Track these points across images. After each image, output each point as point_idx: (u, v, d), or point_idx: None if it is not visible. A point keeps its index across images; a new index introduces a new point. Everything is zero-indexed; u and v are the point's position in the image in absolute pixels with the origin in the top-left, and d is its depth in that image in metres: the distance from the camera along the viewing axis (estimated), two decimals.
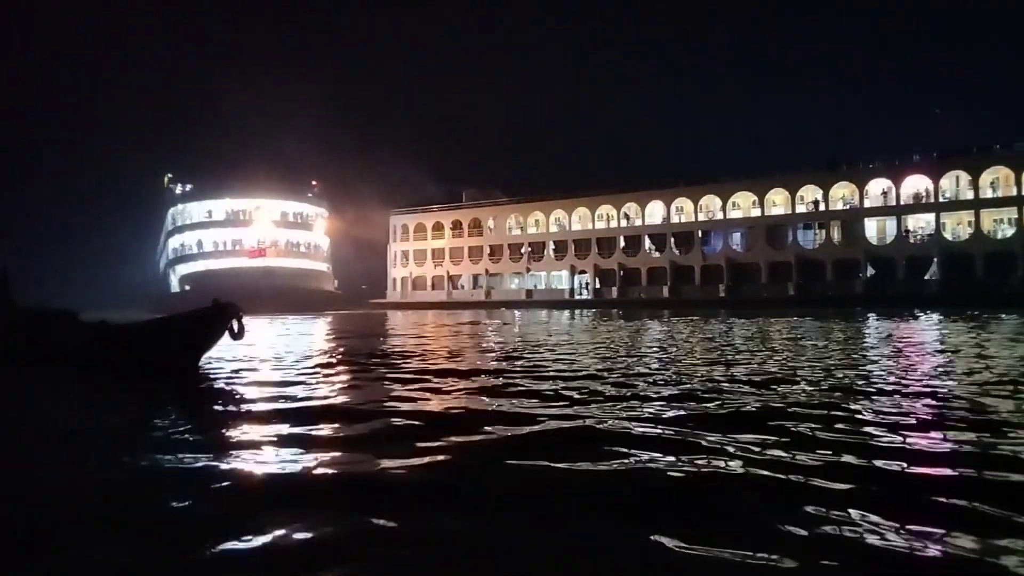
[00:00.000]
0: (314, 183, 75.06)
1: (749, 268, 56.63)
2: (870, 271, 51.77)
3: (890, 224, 52.74)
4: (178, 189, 69.81)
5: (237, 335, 7.68)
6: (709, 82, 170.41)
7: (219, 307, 7.63)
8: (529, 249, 69.53)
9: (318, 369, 7.81)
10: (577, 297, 64.32)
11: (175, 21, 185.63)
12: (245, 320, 7.58)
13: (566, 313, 38.63)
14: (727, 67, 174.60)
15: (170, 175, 71.42)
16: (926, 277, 49.37)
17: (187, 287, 63.07)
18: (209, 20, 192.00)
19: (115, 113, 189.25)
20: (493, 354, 9.40)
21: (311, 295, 60.70)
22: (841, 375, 6.20)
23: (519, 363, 7.84)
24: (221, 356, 9.12)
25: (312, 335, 16.32)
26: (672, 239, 61.57)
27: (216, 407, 5.23)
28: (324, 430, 3.97)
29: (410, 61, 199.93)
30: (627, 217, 64.97)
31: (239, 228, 65.51)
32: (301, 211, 70.26)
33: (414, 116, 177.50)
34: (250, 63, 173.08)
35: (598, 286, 64.28)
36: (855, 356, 8.41)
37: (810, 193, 56.02)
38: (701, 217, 61.10)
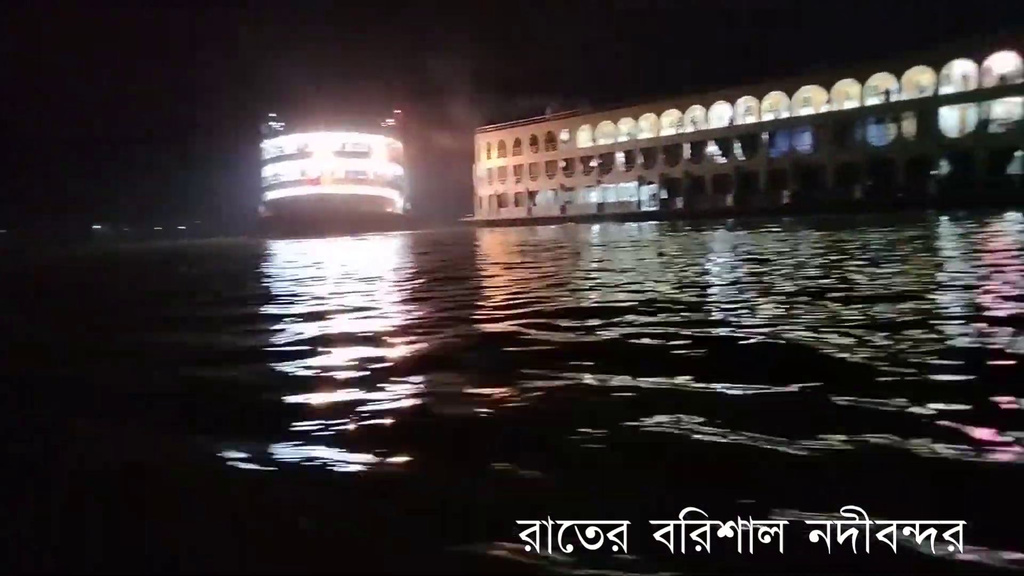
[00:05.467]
0: (397, 111, 78.43)
1: (817, 171, 52.17)
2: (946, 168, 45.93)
3: (971, 114, 45.89)
4: (275, 126, 76.66)
5: None
6: None
7: None
8: (600, 161, 68.35)
9: None
10: (644, 209, 62.98)
11: None
12: None
13: (632, 226, 36.92)
14: None
15: (272, 114, 77.81)
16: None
17: (268, 214, 72.58)
18: None
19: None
20: None
21: (370, 218, 65.04)
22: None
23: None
24: None
25: None
26: (737, 143, 57.81)
27: None
28: None
29: None
30: (693, 122, 61.51)
31: (303, 160, 71.87)
32: (361, 141, 74.01)
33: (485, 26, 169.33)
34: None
35: (665, 196, 62.34)
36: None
37: (884, 82, 49.69)
38: (768, 117, 56.52)
